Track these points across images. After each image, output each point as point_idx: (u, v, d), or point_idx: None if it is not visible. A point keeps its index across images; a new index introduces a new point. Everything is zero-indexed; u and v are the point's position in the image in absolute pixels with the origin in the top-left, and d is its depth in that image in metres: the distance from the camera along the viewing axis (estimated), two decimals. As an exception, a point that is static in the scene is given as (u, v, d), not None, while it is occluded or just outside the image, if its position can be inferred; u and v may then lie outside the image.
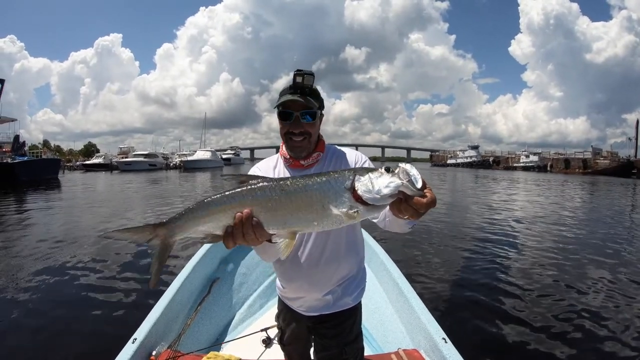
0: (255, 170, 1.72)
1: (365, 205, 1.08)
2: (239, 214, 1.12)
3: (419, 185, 1.05)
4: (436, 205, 1.11)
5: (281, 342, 2.01)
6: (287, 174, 1.65)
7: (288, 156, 1.65)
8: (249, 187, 1.15)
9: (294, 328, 1.86)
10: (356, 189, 1.09)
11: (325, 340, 1.72)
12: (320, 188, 1.11)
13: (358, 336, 1.78)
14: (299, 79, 1.48)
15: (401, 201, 1.09)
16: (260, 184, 1.15)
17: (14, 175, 25.57)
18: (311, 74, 1.49)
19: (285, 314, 1.89)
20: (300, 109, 1.51)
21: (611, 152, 61.69)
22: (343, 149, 1.74)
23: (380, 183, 1.06)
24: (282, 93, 1.55)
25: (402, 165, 1.08)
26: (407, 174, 1.06)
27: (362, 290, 1.79)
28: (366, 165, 1.60)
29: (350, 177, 1.11)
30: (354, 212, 1.08)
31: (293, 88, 1.51)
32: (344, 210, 1.09)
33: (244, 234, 1.14)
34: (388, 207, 1.16)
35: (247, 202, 1.13)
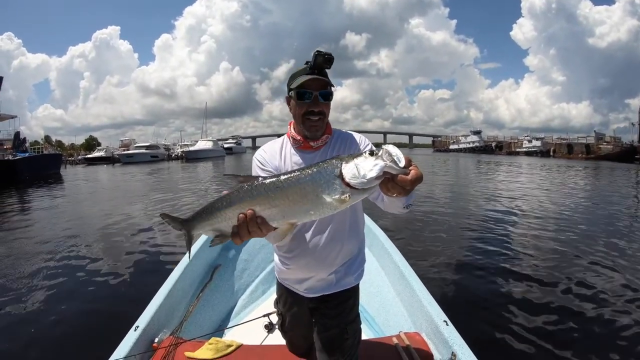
0: (261, 153, 1.75)
1: (355, 189, 1.13)
2: (241, 215, 1.20)
3: (402, 164, 1.10)
4: (423, 180, 1.15)
5: (282, 328, 2.05)
6: (295, 156, 1.68)
7: (298, 137, 1.66)
8: (247, 188, 1.22)
9: (295, 312, 1.89)
10: (343, 175, 1.14)
11: (326, 320, 1.74)
12: (312, 179, 1.17)
13: (357, 317, 1.81)
14: (319, 59, 1.51)
15: (388, 180, 1.13)
16: (256, 183, 1.22)
17: (16, 171, 25.53)
18: (331, 56, 1.51)
19: (286, 298, 1.93)
20: (319, 88, 1.55)
21: (614, 137, 61.22)
22: (349, 132, 1.76)
23: (366, 167, 1.11)
24: (298, 74, 1.57)
25: (385, 146, 1.14)
26: (390, 154, 1.11)
27: (363, 270, 1.83)
28: (369, 148, 1.62)
29: (338, 164, 1.16)
30: (346, 196, 1.14)
31: (313, 68, 1.54)
32: (337, 196, 1.15)
33: (249, 231, 1.22)
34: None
35: (247, 202, 1.21)
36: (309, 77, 1.52)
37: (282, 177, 1.20)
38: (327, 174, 1.15)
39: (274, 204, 1.19)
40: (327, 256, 1.68)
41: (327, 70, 1.59)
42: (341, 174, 1.14)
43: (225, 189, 1.32)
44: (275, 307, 2.09)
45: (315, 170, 1.18)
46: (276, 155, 1.70)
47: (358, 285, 1.83)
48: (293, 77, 1.59)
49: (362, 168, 1.11)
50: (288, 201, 1.18)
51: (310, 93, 1.55)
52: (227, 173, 1.34)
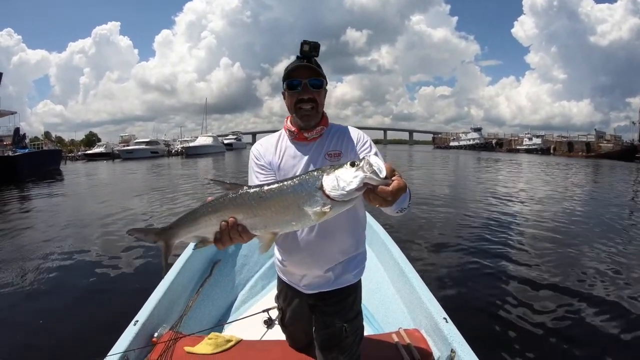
0: (257, 147, 1.76)
1: (335, 201, 1.14)
2: (223, 222, 1.22)
3: (383, 174, 1.10)
4: (406, 190, 1.17)
5: (282, 323, 2.06)
6: (291, 148, 1.69)
7: (293, 129, 1.68)
8: (231, 196, 1.23)
9: (295, 307, 1.90)
10: (324, 187, 1.15)
11: (326, 318, 1.73)
12: (294, 191, 1.18)
13: (358, 314, 1.79)
14: (306, 47, 1.55)
15: (370, 191, 1.13)
16: (241, 192, 1.23)
17: (16, 168, 25.44)
18: (317, 43, 1.55)
19: (286, 293, 1.93)
20: (308, 76, 1.58)
21: (614, 136, 61.02)
22: (347, 126, 1.75)
23: (346, 179, 1.12)
24: (289, 66, 1.60)
25: (367, 157, 1.14)
26: (370, 165, 1.11)
27: (363, 268, 1.82)
28: (367, 143, 1.68)
29: (320, 176, 1.17)
30: (326, 208, 1.14)
31: (300, 57, 1.58)
32: (317, 208, 1.15)
33: (231, 238, 1.24)
34: None
35: (230, 210, 1.22)
36: (296, 64, 1.58)
37: (266, 188, 1.21)
38: (309, 186, 1.16)
39: (256, 213, 1.20)
40: (320, 253, 1.68)
41: (323, 68, 1.62)
42: (322, 185, 1.15)
43: (209, 195, 1.33)
44: (275, 302, 2.10)
45: (297, 181, 1.19)
46: (271, 149, 1.72)
47: (359, 283, 1.82)
48: (286, 69, 1.62)
49: (342, 180, 1.12)
50: (270, 211, 1.19)
51: (299, 81, 1.58)
52: (212, 178, 1.34)
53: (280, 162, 1.68)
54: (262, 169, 1.69)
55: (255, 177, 1.67)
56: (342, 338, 1.69)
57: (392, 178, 1.13)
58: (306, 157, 1.66)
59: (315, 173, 1.18)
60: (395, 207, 1.33)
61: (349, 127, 1.75)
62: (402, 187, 1.12)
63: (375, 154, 1.58)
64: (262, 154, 1.72)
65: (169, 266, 1.42)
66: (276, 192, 1.19)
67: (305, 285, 1.76)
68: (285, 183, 1.20)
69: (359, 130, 1.74)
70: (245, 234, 1.23)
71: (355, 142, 1.67)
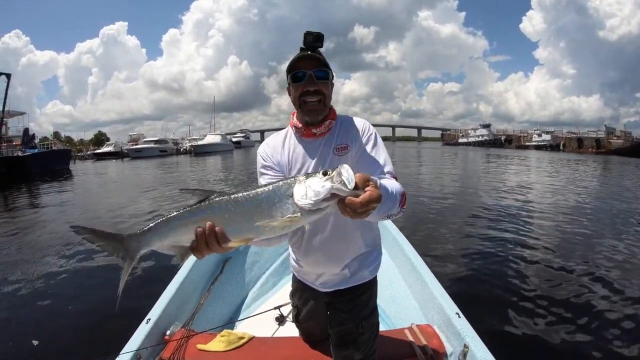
0: (264, 147, 1.71)
1: (304, 210, 1.12)
2: (199, 228, 1.17)
3: (351, 186, 1.08)
4: (380, 201, 1.12)
5: (297, 320, 2.04)
6: (299, 146, 1.64)
7: (300, 125, 1.63)
8: (208, 202, 1.21)
9: (311, 305, 1.90)
10: (294, 195, 1.14)
11: (341, 315, 1.72)
12: (268, 197, 1.17)
13: (374, 311, 1.78)
14: (309, 38, 1.50)
15: (341, 202, 1.10)
16: (217, 198, 1.21)
17: (26, 167, 25.75)
18: (321, 34, 1.50)
19: (302, 292, 1.92)
20: (313, 67, 1.51)
21: (625, 132, 60.53)
22: (354, 117, 1.69)
23: (315, 188, 1.11)
24: (293, 58, 1.54)
25: (339, 167, 1.11)
26: (340, 175, 1.09)
27: (378, 264, 1.80)
28: (372, 135, 1.63)
29: (292, 184, 1.16)
30: (295, 216, 1.13)
31: (304, 48, 1.52)
32: (288, 215, 1.14)
33: (208, 244, 1.18)
34: None
35: (207, 216, 1.19)
36: (300, 55, 1.51)
37: (240, 195, 1.19)
38: (281, 194, 1.16)
39: (232, 219, 1.19)
40: (335, 251, 1.66)
41: (330, 65, 1.55)
42: (292, 194, 1.14)
43: (178, 206, 1.29)
44: (290, 299, 2.08)
45: (271, 189, 1.18)
46: (278, 149, 1.67)
47: (374, 279, 1.81)
48: (289, 62, 1.57)
49: (311, 190, 1.11)
50: (244, 218, 1.18)
51: (304, 72, 1.51)
52: (183, 188, 1.29)
53: (290, 161, 1.65)
54: (270, 170, 1.65)
55: (263, 179, 1.63)
56: (358, 335, 1.68)
57: (366, 189, 1.10)
58: (316, 154, 1.61)
59: (289, 181, 1.18)
60: (378, 215, 1.30)
61: (354, 118, 1.69)
62: (373, 198, 1.09)
63: (375, 144, 1.59)
64: (270, 155, 1.67)
65: (123, 283, 1.32)
66: (251, 199, 1.18)
67: (322, 284, 1.75)
68: (260, 189, 1.20)
69: (364, 121, 1.68)
70: (222, 239, 1.18)
71: (360, 134, 1.63)
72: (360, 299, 1.73)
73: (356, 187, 1.08)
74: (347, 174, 1.08)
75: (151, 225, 1.23)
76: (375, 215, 1.20)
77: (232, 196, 1.20)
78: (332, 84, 1.60)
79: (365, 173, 1.17)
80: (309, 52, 1.51)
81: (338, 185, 1.08)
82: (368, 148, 1.58)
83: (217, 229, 1.17)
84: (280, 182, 1.19)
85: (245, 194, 1.20)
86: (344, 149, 1.59)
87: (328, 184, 1.09)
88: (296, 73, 1.52)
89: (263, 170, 1.65)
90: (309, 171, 1.52)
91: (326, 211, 1.14)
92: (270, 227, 1.16)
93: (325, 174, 1.12)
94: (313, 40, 1.50)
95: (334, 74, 1.60)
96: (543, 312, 3.92)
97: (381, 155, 1.58)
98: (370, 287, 1.77)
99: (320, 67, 1.51)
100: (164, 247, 1.25)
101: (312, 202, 1.10)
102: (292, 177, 1.19)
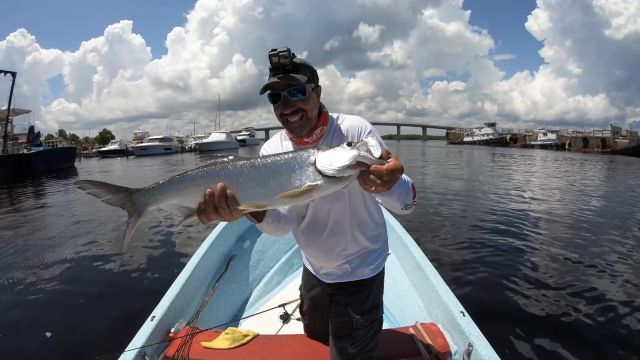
0: (266, 147, 1.73)
1: (327, 177, 1.11)
2: (209, 189, 1.15)
3: (377, 154, 1.09)
4: (403, 172, 1.13)
5: (301, 312, 2.11)
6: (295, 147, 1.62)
7: (291, 135, 1.62)
8: (222, 163, 1.19)
9: (315, 295, 1.95)
10: (317, 163, 1.12)
11: (339, 308, 1.75)
12: (287, 163, 1.15)
13: (374, 308, 1.77)
14: (275, 60, 1.43)
15: (364, 173, 1.11)
16: (232, 159, 1.19)
17: (31, 165, 26.00)
18: (285, 51, 1.43)
19: (307, 280, 2.00)
20: (285, 88, 1.46)
21: (630, 132, 60.03)
22: (348, 117, 1.66)
23: (339, 155, 1.10)
24: (267, 81, 1.50)
25: (364, 139, 1.13)
26: (366, 144, 1.10)
27: (381, 264, 1.80)
28: (370, 134, 1.57)
29: (314, 152, 1.15)
30: (316, 184, 1.11)
31: (273, 69, 1.47)
32: (308, 183, 1.12)
33: (217, 207, 1.15)
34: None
35: (220, 177, 1.16)
36: (271, 80, 1.46)
37: (258, 159, 1.18)
38: (302, 161, 1.14)
39: (246, 184, 1.16)
40: (332, 249, 1.69)
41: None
42: (315, 161, 1.13)
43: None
44: (299, 291, 2.13)
45: (291, 155, 1.16)
46: (276, 151, 1.63)
47: (377, 277, 1.80)
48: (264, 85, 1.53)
49: (335, 157, 1.10)
50: (260, 183, 1.15)
51: (277, 94, 1.48)
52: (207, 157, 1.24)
53: None
54: None
55: None
56: (353, 329, 1.69)
57: (388, 160, 1.10)
58: None
59: (311, 149, 1.16)
60: (399, 200, 1.31)
61: (348, 117, 1.66)
62: (397, 168, 1.10)
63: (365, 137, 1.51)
64: None
65: (128, 240, 1.24)
66: (269, 163, 1.16)
67: (325, 274, 1.80)
68: (280, 156, 1.17)
69: (359, 120, 1.64)
70: (232, 203, 1.15)
71: (357, 135, 1.58)
72: (359, 294, 1.74)
73: (380, 157, 1.09)
74: (374, 144, 1.10)
75: (161, 181, 1.21)
76: (397, 199, 1.23)
77: (249, 160, 1.19)
78: (316, 93, 1.57)
79: None
80: (281, 72, 1.45)
81: (364, 153, 1.08)
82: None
83: (228, 191, 1.15)
84: (301, 150, 1.17)
85: (263, 159, 1.18)
86: None
87: (354, 152, 1.09)
88: (271, 95, 1.50)
89: None
90: None
91: (348, 182, 1.13)
92: (287, 195, 1.14)
93: (349, 144, 1.12)
94: (279, 60, 1.44)
95: (317, 79, 1.56)
96: (548, 312, 3.91)
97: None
98: (371, 285, 1.77)
99: (292, 86, 1.46)
100: (172, 205, 1.22)
101: (337, 168, 1.09)
102: (313, 147, 1.18)
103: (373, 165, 1.08)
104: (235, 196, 1.15)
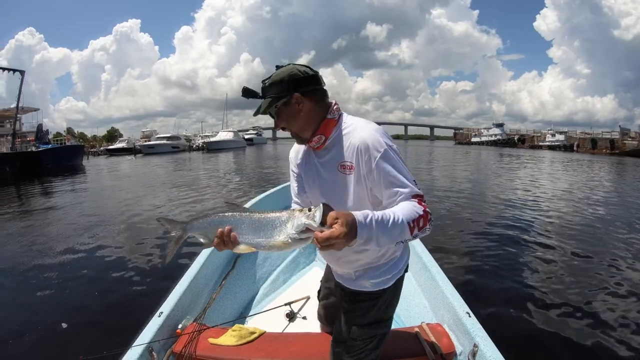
0: (292, 151, 1.83)
1: (293, 238, 1.31)
2: (220, 229, 1.43)
3: (317, 222, 1.22)
4: (345, 240, 1.17)
5: (318, 296, 2.23)
6: (312, 157, 1.67)
7: None
8: (234, 213, 1.48)
9: (331, 286, 2.06)
10: (286, 226, 1.34)
11: (341, 313, 1.76)
12: (272, 221, 1.38)
13: (376, 323, 1.71)
14: (246, 97, 1.62)
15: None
16: (238, 213, 1.47)
17: (40, 162, 26.19)
18: (251, 90, 1.62)
19: (328, 272, 2.12)
20: (266, 112, 1.58)
21: (639, 133, 59.68)
22: (359, 129, 1.52)
23: (297, 222, 1.29)
24: None
25: (320, 205, 1.26)
26: (314, 213, 1.25)
27: (385, 281, 1.69)
28: (381, 155, 1.43)
29: (290, 216, 1.34)
30: (287, 241, 1.32)
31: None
32: (282, 239, 1.33)
33: (224, 242, 1.43)
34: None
35: (229, 222, 1.46)
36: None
37: (256, 214, 1.43)
38: (281, 222, 1.35)
39: (245, 230, 1.43)
40: (338, 257, 1.68)
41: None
42: (287, 223, 1.34)
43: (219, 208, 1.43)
44: (307, 288, 2.35)
45: (276, 215, 1.38)
46: (298, 155, 1.77)
47: (382, 293, 1.70)
48: None
49: (296, 223, 1.29)
50: (252, 232, 1.42)
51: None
52: (227, 201, 1.54)
53: (303, 172, 1.74)
54: (294, 174, 1.81)
55: (291, 176, 1.84)
56: (350, 338, 1.67)
57: (333, 226, 1.18)
58: (322, 169, 1.61)
59: (289, 212, 1.36)
60: (379, 246, 1.28)
61: (360, 130, 1.51)
62: (335, 235, 1.16)
63: (386, 167, 1.43)
64: (292, 160, 1.81)
65: (171, 253, 1.70)
66: (262, 218, 1.40)
67: (335, 274, 1.85)
68: (270, 214, 1.40)
69: (373, 136, 1.47)
70: (234, 243, 1.42)
71: (367, 156, 1.45)
72: (360, 304, 1.70)
73: (323, 224, 1.20)
74: (318, 212, 1.23)
75: (199, 217, 1.55)
76: (372, 244, 1.27)
77: (251, 214, 1.45)
78: (293, 103, 1.54)
79: (379, 199, 1.46)
80: (257, 108, 1.59)
81: (309, 220, 1.24)
82: (378, 174, 1.45)
83: (232, 234, 1.41)
84: (285, 212, 1.37)
85: (259, 215, 1.42)
86: (349, 168, 1.50)
87: (303, 219, 1.26)
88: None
89: (291, 170, 1.83)
90: (317, 184, 1.66)
91: (308, 242, 1.29)
92: (269, 245, 1.38)
93: (310, 209, 1.28)
94: (248, 96, 1.62)
95: (291, 89, 1.51)
96: (554, 313, 3.90)
97: (395, 177, 1.43)
98: (374, 299, 1.70)
99: (264, 112, 1.58)
100: (199, 234, 1.53)
101: (294, 232, 1.28)
102: (295, 210, 1.35)
103: (315, 233, 1.22)
104: (236, 237, 1.42)
